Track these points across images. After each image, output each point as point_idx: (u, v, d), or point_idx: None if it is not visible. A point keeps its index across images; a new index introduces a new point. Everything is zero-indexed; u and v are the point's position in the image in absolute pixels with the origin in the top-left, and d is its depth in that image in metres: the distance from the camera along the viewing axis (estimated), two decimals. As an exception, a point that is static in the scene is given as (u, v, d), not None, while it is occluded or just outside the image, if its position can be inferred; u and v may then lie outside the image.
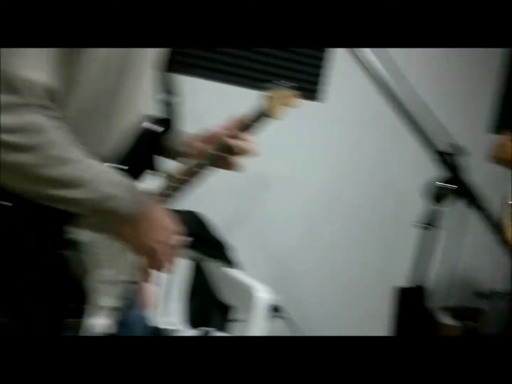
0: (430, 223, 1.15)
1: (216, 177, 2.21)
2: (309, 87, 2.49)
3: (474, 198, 1.11)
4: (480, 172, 2.57)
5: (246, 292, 2.01)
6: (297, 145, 2.45)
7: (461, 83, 2.81)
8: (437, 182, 1.13)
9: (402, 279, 2.82)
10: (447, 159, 1.13)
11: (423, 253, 1.17)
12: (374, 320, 2.75)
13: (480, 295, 2.81)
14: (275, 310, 2.50)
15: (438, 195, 1.13)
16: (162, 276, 2.01)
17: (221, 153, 1.13)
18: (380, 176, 2.61)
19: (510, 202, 1.90)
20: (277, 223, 2.42)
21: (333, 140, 2.55)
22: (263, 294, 1.99)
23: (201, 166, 1.12)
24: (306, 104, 2.47)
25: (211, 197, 2.22)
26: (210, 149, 1.13)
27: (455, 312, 2.78)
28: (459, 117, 2.87)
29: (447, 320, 2.70)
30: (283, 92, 1.25)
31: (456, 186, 1.11)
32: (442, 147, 1.15)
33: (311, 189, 2.48)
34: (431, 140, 1.14)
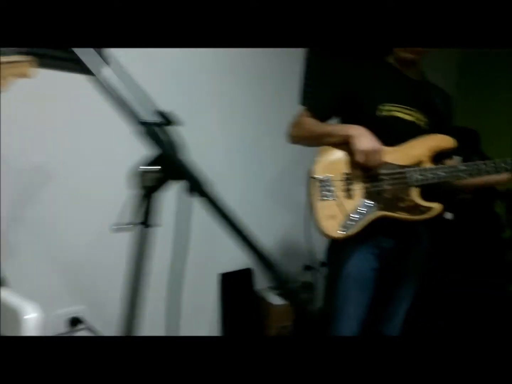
0: (143, 220, 0.87)
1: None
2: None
3: (191, 180, 0.85)
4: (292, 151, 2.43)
5: (13, 315, 1.63)
6: (85, 129, 2.05)
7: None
8: (141, 167, 0.85)
9: (225, 265, 2.61)
10: (153, 131, 0.86)
11: (140, 252, 0.90)
12: (197, 311, 2.53)
13: (309, 268, 2.70)
14: (76, 322, 2.16)
15: (147, 183, 0.86)
16: None
17: None
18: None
19: (315, 177, 1.71)
20: (64, 223, 2.02)
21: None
22: (32, 314, 1.62)
23: None
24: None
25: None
26: None
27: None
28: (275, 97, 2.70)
29: (275, 299, 2.55)
30: (11, 58, 1.04)
31: (164, 167, 0.84)
32: (148, 116, 0.88)
33: (102, 180, 2.10)
34: (134, 111, 0.86)
